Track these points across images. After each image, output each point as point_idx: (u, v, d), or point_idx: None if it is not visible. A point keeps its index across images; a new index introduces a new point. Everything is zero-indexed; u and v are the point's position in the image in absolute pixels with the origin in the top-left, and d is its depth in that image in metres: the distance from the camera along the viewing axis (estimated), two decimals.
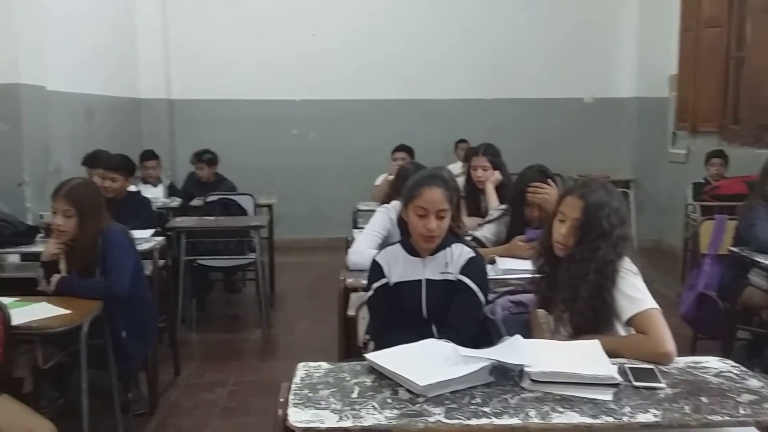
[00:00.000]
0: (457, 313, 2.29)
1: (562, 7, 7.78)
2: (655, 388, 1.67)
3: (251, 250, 4.98)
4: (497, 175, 3.89)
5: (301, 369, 1.78)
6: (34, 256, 3.25)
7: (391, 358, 1.76)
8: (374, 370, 1.76)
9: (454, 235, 2.41)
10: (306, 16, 7.73)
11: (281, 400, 1.60)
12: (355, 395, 1.63)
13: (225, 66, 7.63)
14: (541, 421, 1.51)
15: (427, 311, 2.35)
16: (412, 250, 2.39)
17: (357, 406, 1.57)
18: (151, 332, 3.42)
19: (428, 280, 2.35)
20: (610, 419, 1.53)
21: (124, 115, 6.97)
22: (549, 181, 3.09)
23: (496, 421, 1.51)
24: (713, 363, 1.85)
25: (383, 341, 2.18)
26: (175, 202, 5.49)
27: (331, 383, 1.70)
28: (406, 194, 2.38)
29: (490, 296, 2.42)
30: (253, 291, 5.46)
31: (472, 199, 3.88)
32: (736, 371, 1.79)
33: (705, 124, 6.69)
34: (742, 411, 1.57)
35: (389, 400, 1.60)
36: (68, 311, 2.67)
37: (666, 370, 1.79)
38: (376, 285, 2.39)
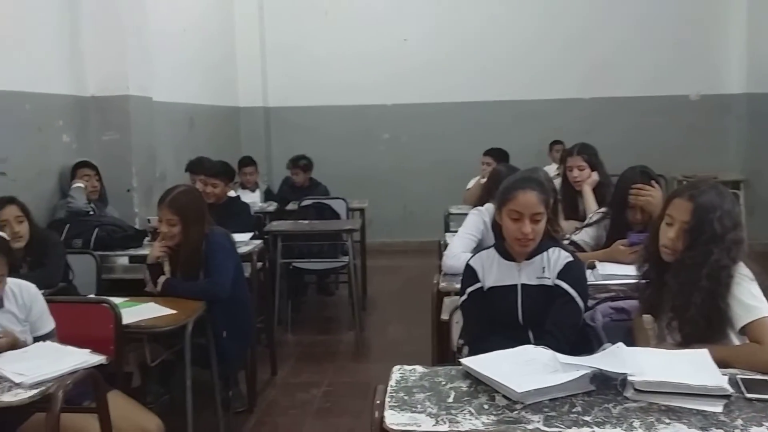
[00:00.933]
0: (554, 319, 2.22)
1: (665, 1, 7.46)
2: None
3: (344, 253, 5.05)
4: (594, 176, 3.73)
5: (396, 372, 1.78)
6: (142, 259, 3.42)
7: (488, 364, 1.74)
8: (470, 375, 1.74)
9: (551, 239, 2.35)
10: (397, 22, 7.80)
11: (377, 402, 1.60)
12: (450, 400, 1.61)
13: (318, 73, 7.80)
14: None
15: (522, 317, 2.29)
16: (506, 255, 2.35)
17: (453, 411, 1.55)
18: (250, 332, 3.54)
19: (524, 285, 2.30)
20: None
21: (223, 122, 7.26)
22: (652, 182, 2.95)
23: (598, 431, 1.46)
24: None
25: (478, 346, 2.16)
26: (272, 206, 5.66)
27: (426, 387, 1.68)
28: (499, 198, 2.34)
29: (590, 302, 2.34)
30: (345, 294, 5.54)
31: (569, 201, 3.73)
32: None
33: None
34: None
35: (486, 406, 1.57)
36: (174, 311, 2.79)
37: None
38: (470, 289, 2.36)
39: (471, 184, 5.31)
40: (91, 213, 4.00)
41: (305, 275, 5.56)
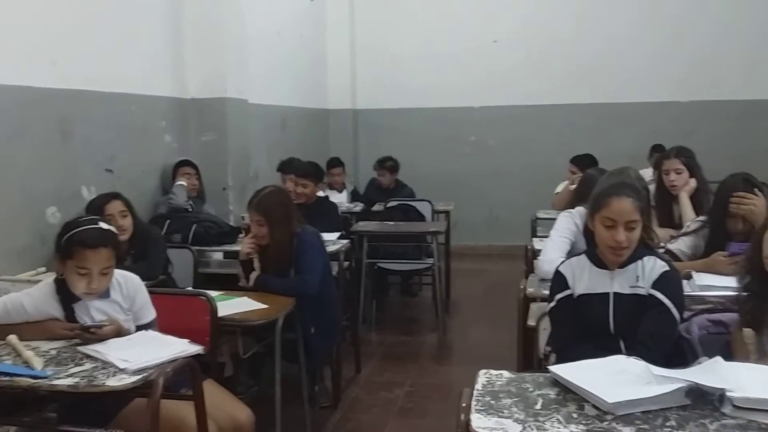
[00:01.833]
0: (648, 329, 2.15)
1: None
2: None
3: (428, 255, 5.07)
4: (692, 183, 3.57)
5: (483, 376, 1.78)
6: (235, 254, 3.55)
7: (577, 372, 1.71)
8: (558, 383, 1.71)
9: (646, 247, 2.28)
10: (487, 23, 7.73)
11: (464, 405, 1.61)
12: (538, 407, 1.60)
13: (406, 76, 7.84)
14: None
15: (614, 326, 2.24)
16: (599, 262, 2.29)
17: (541, 418, 1.54)
18: (336, 329, 3.60)
19: (616, 294, 2.24)
20: None
21: (313, 124, 7.42)
22: (755, 190, 2.81)
23: None
24: None
25: (566, 354, 2.12)
26: (358, 207, 5.74)
27: (513, 393, 1.67)
28: (592, 204, 2.29)
29: (686, 314, 2.26)
30: (429, 295, 5.55)
31: (664, 208, 3.59)
32: None
33: None
34: None
35: (575, 415, 1.55)
36: (266, 306, 2.89)
37: None
38: (559, 296, 2.32)
39: (560, 188, 5.20)
40: (190, 210, 4.18)
41: (389, 276, 5.61)
